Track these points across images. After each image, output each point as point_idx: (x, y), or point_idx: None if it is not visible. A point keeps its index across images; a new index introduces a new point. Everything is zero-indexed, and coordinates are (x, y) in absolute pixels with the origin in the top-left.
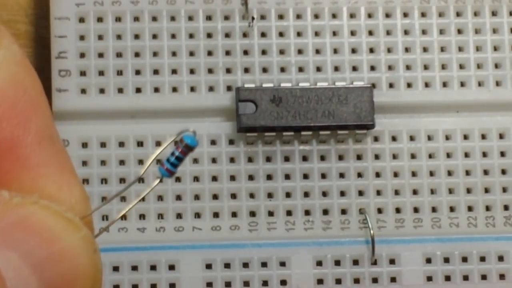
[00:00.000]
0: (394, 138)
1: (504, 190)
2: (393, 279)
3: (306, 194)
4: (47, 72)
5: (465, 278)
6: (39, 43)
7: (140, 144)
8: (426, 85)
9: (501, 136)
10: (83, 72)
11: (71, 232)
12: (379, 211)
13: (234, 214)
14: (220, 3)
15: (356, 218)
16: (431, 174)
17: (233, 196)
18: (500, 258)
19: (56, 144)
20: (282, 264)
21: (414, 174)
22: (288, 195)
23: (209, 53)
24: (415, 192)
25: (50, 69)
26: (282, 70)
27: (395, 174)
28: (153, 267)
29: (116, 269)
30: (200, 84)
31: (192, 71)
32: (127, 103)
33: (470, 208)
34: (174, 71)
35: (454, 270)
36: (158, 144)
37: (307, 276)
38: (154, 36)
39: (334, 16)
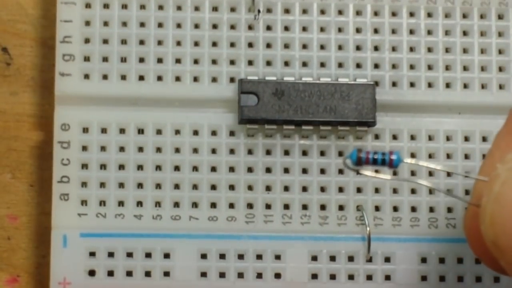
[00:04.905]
0: (394, 137)
1: None
2: (387, 277)
3: (304, 189)
4: (49, 73)
5: (460, 279)
6: (39, 42)
7: (140, 131)
8: (429, 85)
9: None
10: (87, 57)
11: None
12: (377, 208)
13: (231, 205)
14: None
15: (353, 215)
16: (430, 174)
17: (231, 187)
18: None
19: None
20: (277, 257)
21: (413, 173)
22: (286, 188)
23: (214, 44)
24: (413, 191)
25: (51, 69)
26: (286, 64)
27: (394, 173)
28: (148, 255)
29: (111, 254)
30: (203, 75)
31: (195, 61)
32: (130, 90)
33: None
34: (178, 61)
35: (448, 271)
36: (158, 132)
37: (302, 270)
38: (160, 25)
39: (340, 12)
